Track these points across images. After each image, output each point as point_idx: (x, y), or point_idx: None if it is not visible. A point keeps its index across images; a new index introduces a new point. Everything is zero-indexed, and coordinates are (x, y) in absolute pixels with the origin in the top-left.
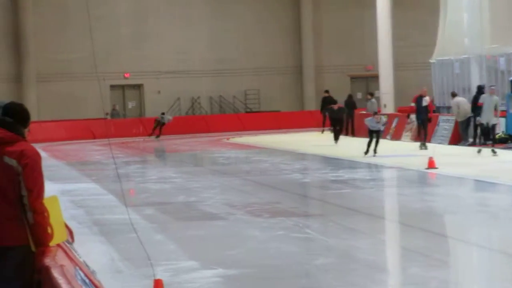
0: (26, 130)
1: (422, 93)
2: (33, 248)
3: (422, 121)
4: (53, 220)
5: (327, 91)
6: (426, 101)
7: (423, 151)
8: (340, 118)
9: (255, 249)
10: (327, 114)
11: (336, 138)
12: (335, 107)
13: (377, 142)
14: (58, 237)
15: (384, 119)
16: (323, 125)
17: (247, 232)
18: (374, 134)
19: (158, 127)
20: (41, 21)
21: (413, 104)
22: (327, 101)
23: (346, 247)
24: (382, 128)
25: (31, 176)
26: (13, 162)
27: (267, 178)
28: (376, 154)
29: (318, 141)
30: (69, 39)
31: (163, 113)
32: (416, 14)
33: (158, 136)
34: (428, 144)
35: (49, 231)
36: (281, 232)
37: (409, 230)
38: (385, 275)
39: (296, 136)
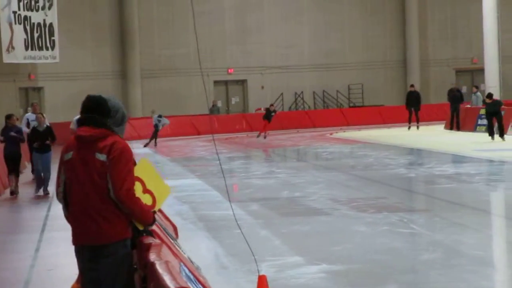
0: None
1: None
2: (140, 228)
3: None
4: (149, 183)
5: (412, 86)
6: None
7: None
8: (496, 112)
9: (360, 245)
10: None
11: (492, 133)
12: (489, 100)
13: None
14: (161, 197)
15: None
16: (410, 121)
17: (352, 227)
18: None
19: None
20: (146, 16)
21: None
22: (413, 96)
23: (452, 242)
24: None
25: (115, 168)
26: (103, 157)
27: (371, 173)
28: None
29: (422, 135)
30: (174, 35)
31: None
32: None
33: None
34: None
35: (149, 202)
36: (386, 227)
37: None
38: (493, 270)
39: (400, 131)
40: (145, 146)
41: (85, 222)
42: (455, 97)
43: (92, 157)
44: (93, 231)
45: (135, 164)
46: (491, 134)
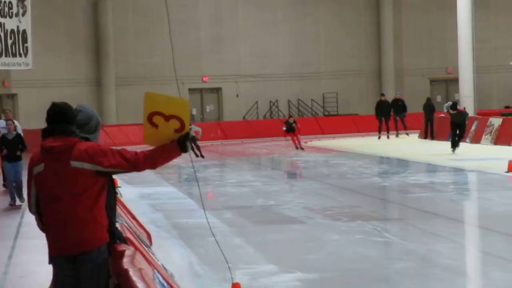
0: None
1: None
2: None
3: None
4: (166, 108)
5: (382, 95)
6: None
7: (503, 154)
8: (461, 123)
9: (334, 253)
10: (398, 118)
11: (454, 145)
12: (452, 111)
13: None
14: (184, 113)
15: None
16: (379, 131)
17: (326, 236)
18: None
19: None
20: (121, 25)
21: None
22: (383, 106)
23: (426, 252)
24: None
25: (108, 156)
26: (84, 164)
27: (346, 181)
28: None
29: (396, 144)
30: (149, 43)
31: None
32: (497, 16)
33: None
34: (509, 147)
35: (177, 126)
36: (360, 236)
37: (490, 234)
38: (466, 280)
39: (374, 140)
40: None
41: (64, 232)
42: (429, 106)
43: (67, 166)
44: (73, 240)
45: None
46: (453, 145)
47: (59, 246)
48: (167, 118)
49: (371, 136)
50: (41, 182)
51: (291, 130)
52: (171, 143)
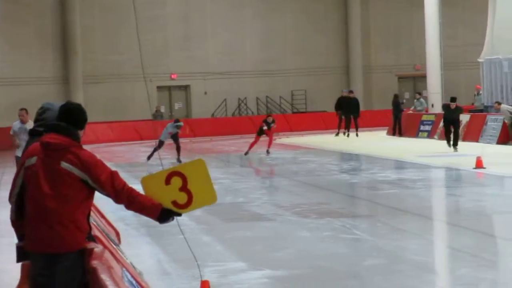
0: (81, 132)
1: None
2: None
3: None
4: (193, 184)
5: (351, 92)
6: None
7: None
8: (456, 119)
9: (303, 250)
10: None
11: (449, 141)
12: (452, 105)
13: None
14: (200, 201)
15: None
16: (339, 127)
17: (295, 233)
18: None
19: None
20: (88, 22)
21: None
22: (352, 103)
23: (395, 248)
24: None
25: (97, 172)
26: (73, 169)
27: (314, 178)
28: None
29: (364, 141)
30: (117, 40)
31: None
32: (465, 12)
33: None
34: (477, 144)
35: (182, 201)
36: (329, 233)
37: (458, 230)
38: (434, 276)
39: (343, 137)
40: (148, 159)
41: (43, 229)
42: (397, 103)
43: (57, 165)
44: (52, 239)
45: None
46: (449, 142)
47: (37, 242)
48: (183, 189)
49: (340, 132)
50: (31, 175)
51: (267, 129)
52: (156, 206)
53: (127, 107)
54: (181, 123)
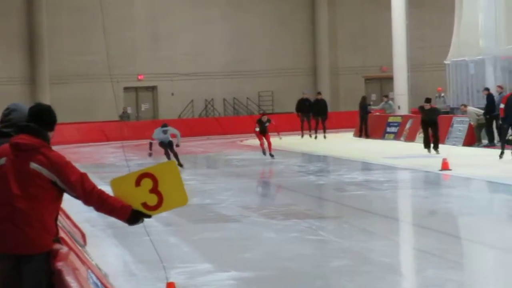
0: (51, 133)
1: None
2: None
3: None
4: (164, 186)
5: (319, 93)
6: None
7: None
8: (433, 121)
9: (270, 252)
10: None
11: (428, 145)
12: (427, 106)
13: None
14: (171, 203)
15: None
16: (302, 129)
17: (262, 234)
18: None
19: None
20: (55, 22)
21: (502, 106)
22: (320, 105)
23: (361, 249)
24: None
25: (67, 173)
26: (43, 170)
27: (281, 180)
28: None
29: (331, 142)
30: (84, 41)
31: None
32: (432, 14)
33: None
34: (443, 146)
35: (152, 203)
36: (295, 234)
37: (424, 231)
38: (400, 277)
39: (310, 138)
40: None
41: (11, 231)
42: (364, 105)
43: (27, 166)
44: (19, 241)
45: None
46: (428, 145)
47: (4, 244)
48: (154, 190)
49: (307, 134)
50: (0, 176)
51: (264, 131)
52: (126, 208)
53: (94, 108)
54: (170, 128)
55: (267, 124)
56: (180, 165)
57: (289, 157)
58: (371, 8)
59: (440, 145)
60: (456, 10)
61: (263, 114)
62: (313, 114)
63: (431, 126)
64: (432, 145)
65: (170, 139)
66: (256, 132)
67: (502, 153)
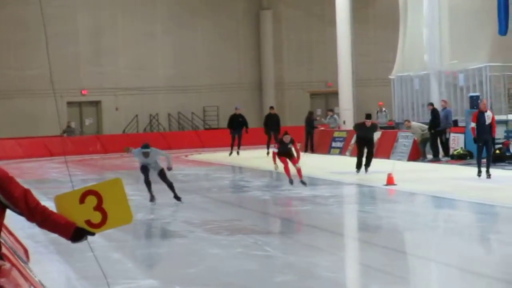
0: None
1: (482, 108)
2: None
3: (485, 143)
4: (108, 204)
5: (272, 108)
6: (489, 117)
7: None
8: (370, 138)
9: (215, 267)
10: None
11: (360, 164)
12: (368, 123)
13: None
14: (115, 221)
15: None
16: (268, 146)
17: (207, 250)
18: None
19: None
20: None
21: (473, 125)
22: (273, 119)
23: (306, 265)
24: None
25: (11, 189)
26: None
27: (226, 195)
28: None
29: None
30: (27, 55)
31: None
32: (376, 30)
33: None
34: (388, 161)
35: (96, 220)
36: (240, 249)
37: (369, 247)
38: None
39: (255, 153)
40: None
41: None
42: (310, 120)
43: None
44: None
45: None
46: (360, 166)
47: None
48: (98, 208)
49: (252, 149)
50: None
51: (286, 154)
52: (69, 225)
53: (37, 123)
54: (154, 151)
55: (290, 145)
56: (177, 198)
57: (235, 172)
58: (316, 24)
59: (385, 160)
60: (400, 26)
61: (286, 133)
62: (265, 128)
63: (367, 143)
64: (364, 164)
65: (161, 166)
66: (274, 154)
67: (479, 171)
